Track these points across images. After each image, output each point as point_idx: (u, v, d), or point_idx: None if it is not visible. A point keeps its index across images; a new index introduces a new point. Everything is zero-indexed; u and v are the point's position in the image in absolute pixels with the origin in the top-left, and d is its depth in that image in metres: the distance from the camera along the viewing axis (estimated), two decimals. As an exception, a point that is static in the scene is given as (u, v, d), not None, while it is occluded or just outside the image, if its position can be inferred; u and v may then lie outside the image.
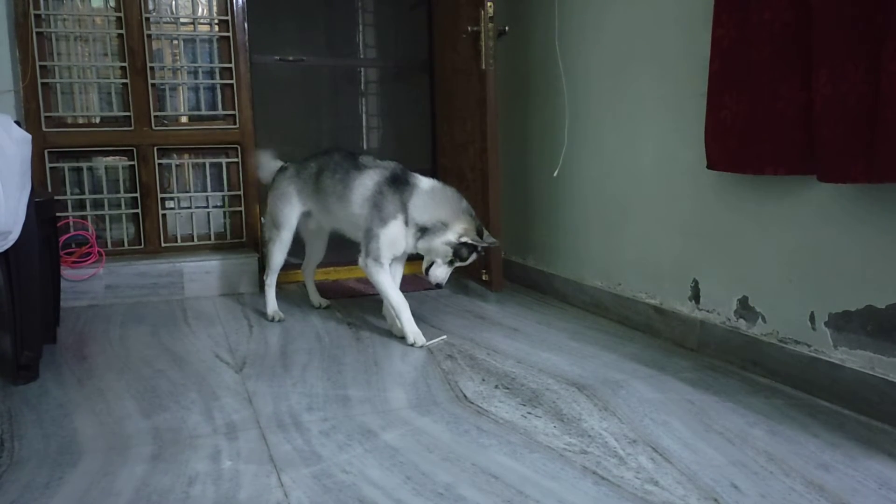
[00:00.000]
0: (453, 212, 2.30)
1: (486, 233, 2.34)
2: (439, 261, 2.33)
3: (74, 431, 1.63)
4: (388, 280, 2.36)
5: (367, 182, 2.39)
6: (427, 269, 2.36)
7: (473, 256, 2.32)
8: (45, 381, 1.99)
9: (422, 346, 2.29)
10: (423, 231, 2.30)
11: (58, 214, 2.79)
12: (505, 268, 3.10)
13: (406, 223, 2.32)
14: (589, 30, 2.70)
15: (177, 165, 3.28)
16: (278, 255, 2.66)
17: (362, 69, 4.58)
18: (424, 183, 2.37)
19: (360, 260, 2.38)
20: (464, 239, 2.26)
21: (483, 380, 1.96)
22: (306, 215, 2.65)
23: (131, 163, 3.18)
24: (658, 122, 2.36)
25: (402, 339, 2.35)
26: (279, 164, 2.76)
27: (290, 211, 2.62)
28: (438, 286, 2.37)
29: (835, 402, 1.73)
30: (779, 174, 1.81)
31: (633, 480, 1.36)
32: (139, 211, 3.20)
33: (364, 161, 2.47)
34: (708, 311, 2.18)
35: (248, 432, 1.62)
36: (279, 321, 2.64)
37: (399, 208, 2.32)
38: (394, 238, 2.33)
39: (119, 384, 1.96)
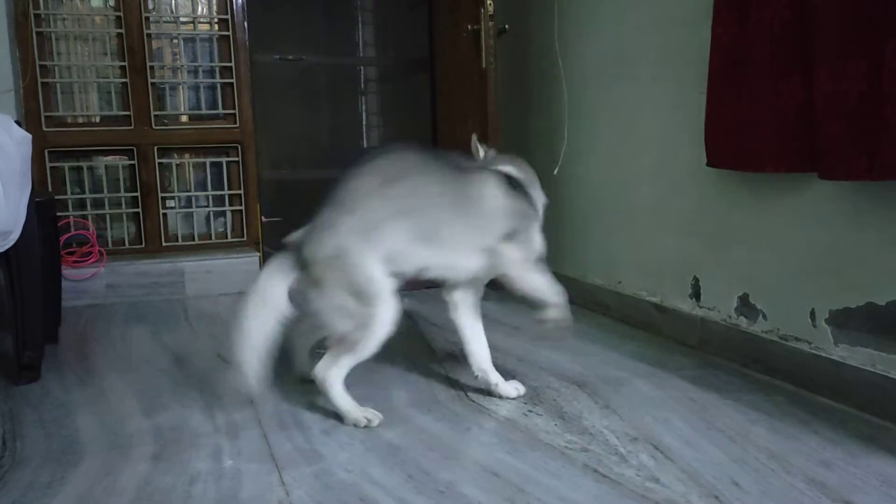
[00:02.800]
0: None
1: None
2: None
3: (76, 431, 1.64)
4: None
5: None
6: None
7: None
8: (47, 380, 1.99)
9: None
10: None
11: (58, 214, 2.79)
12: (506, 266, 3.09)
13: None
14: (588, 28, 2.70)
15: (177, 165, 3.28)
16: None
17: (362, 68, 4.58)
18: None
19: None
20: None
21: (484, 378, 1.96)
22: None
23: (131, 162, 3.18)
24: (658, 120, 2.35)
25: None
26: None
27: None
28: None
29: (836, 399, 1.73)
30: (779, 172, 1.81)
31: (634, 478, 1.36)
32: (140, 210, 3.21)
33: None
34: (709, 309, 2.18)
35: (250, 431, 1.62)
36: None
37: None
38: None
39: (121, 383, 1.96)
